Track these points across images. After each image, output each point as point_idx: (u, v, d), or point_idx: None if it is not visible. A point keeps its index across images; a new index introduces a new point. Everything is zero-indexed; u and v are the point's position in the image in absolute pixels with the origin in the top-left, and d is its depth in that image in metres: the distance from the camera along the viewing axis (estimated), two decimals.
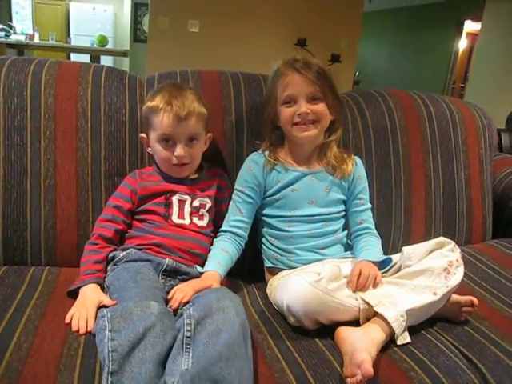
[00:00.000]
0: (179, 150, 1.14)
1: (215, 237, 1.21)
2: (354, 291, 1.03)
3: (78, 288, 1.02)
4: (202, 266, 1.13)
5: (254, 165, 1.25)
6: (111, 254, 1.11)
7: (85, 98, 1.25)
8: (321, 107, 1.18)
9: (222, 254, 1.15)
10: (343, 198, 1.26)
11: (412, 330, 1.02)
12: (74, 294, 1.02)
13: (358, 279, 1.04)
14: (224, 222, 1.22)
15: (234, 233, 1.20)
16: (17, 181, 1.20)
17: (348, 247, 1.26)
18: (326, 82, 1.20)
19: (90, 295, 1.00)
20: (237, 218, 1.21)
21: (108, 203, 1.20)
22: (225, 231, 1.21)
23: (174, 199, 1.17)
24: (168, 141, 1.15)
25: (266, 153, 1.26)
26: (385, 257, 1.14)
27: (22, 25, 7.38)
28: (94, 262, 1.08)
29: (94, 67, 1.32)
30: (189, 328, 0.82)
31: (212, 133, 1.26)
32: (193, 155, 1.17)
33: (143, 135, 1.22)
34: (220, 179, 1.26)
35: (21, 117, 1.20)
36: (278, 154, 1.25)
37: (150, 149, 1.21)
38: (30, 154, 1.20)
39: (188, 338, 0.81)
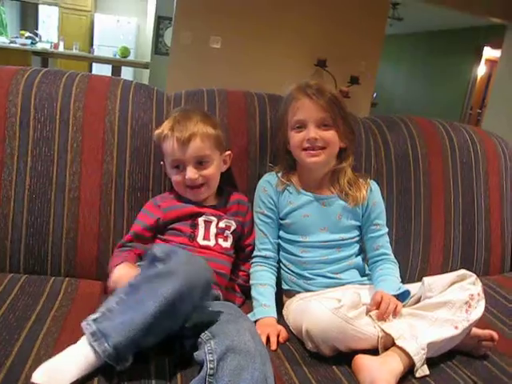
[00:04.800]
0: (189, 173, 1.14)
1: (236, 258, 1.23)
2: (377, 319, 1.02)
3: None
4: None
5: (267, 185, 1.26)
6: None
7: (113, 112, 1.27)
8: (330, 134, 1.18)
9: (262, 289, 1.17)
10: (357, 223, 1.25)
11: (430, 362, 1.00)
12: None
13: (378, 307, 1.03)
14: (255, 247, 1.25)
15: (263, 256, 1.23)
16: (42, 191, 1.21)
17: (365, 271, 1.25)
18: (338, 109, 1.19)
19: None
20: (263, 241, 1.24)
21: (130, 231, 1.18)
22: (255, 256, 1.25)
23: (200, 220, 1.17)
24: (178, 166, 1.16)
25: (280, 174, 1.27)
26: (403, 289, 1.12)
27: (48, 33, 7.54)
28: None
29: (123, 82, 1.34)
30: (212, 366, 0.82)
31: (236, 153, 1.27)
32: (206, 176, 1.17)
33: (162, 163, 1.24)
34: (239, 205, 1.25)
35: (50, 128, 1.22)
36: (291, 178, 1.26)
37: None
38: (56, 166, 1.22)
39: (211, 376, 0.81)
